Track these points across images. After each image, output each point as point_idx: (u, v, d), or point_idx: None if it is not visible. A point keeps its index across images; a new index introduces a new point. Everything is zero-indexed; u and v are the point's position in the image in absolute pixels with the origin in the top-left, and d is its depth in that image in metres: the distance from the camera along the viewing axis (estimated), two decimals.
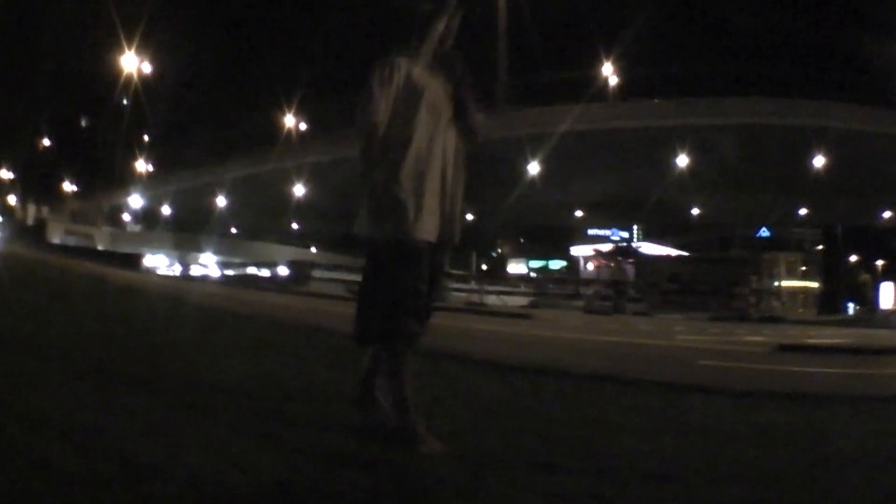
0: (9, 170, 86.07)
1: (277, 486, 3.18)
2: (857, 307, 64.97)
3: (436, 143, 4.84)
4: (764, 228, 74.33)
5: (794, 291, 58.06)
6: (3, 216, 78.35)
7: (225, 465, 3.31)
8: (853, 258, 75.36)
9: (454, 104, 4.98)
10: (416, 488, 3.39)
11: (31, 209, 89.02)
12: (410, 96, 4.79)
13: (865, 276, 72.60)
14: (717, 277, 56.19)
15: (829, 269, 64.73)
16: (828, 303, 60.82)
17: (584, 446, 4.59)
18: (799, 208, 62.40)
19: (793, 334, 24.11)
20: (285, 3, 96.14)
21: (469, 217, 73.13)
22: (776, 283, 57.77)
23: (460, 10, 5.05)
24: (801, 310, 50.79)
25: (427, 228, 4.66)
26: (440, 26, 4.97)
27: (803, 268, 60.77)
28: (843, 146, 41.95)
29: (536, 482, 3.59)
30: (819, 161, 45.30)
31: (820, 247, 67.79)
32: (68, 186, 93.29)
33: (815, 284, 59.71)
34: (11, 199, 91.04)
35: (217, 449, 3.58)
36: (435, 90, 4.90)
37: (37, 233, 76.93)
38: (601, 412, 6.10)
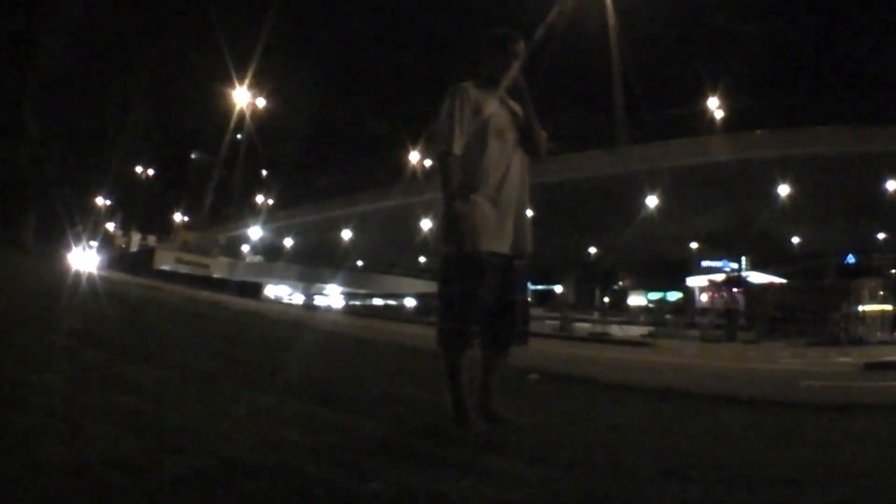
0: (105, 197, 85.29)
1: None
2: None
3: (503, 165, 4.97)
4: (851, 255, 72.41)
5: (874, 315, 56.38)
6: (98, 242, 78.39)
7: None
8: None
9: (521, 127, 5.13)
10: (547, 496, 3.39)
11: (136, 237, 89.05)
12: (480, 123, 4.92)
13: None
14: (814, 304, 54.88)
15: None
16: None
17: (708, 458, 4.61)
18: (877, 233, 60.74)
19: (875, 354, 23.79)
20: (411, 43, 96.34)
21: (592, 251, 72.82)
22: (861, 308, 56.21)
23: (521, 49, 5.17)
24: (879, 333, 49.26)
25: (495, 241, 4.84)
26: (518, 63, 5.15)
27: (881, 292, 59.00)
28: None
29: (665, 490, 3.62)
30: (893, 185, 44.13)
31: (894, 270, 65.65)
32: (178, 217, 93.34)
33: (889, 307, 57.93)
34: (110, 226, 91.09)
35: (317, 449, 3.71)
36: (502, 116, 5.05)
37: (143, 260, 76.34)
38: (720, 428, 6.16)
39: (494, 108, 5.02)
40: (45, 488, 2.66)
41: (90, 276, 23.99)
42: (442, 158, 4.84)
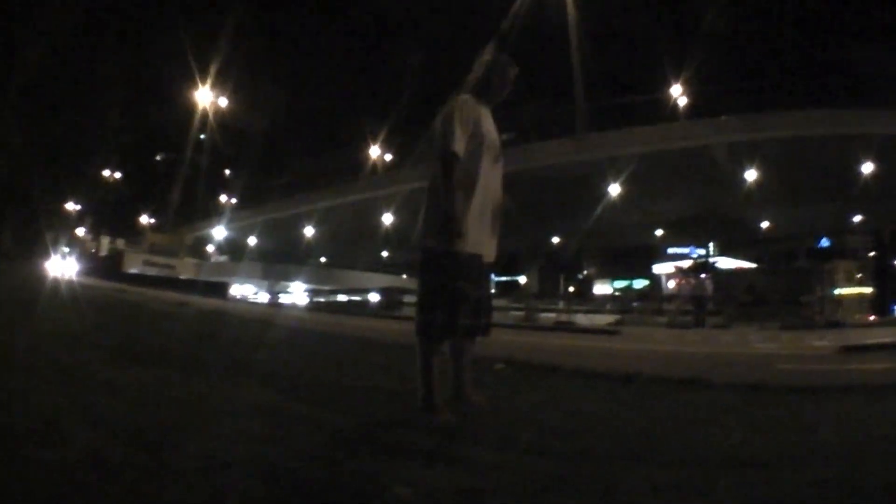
0: (76, 202, 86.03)
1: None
2: None
3: (490, 177, 5.37)
4: (824, 238, 73.27)
5: (850, 297, 57.08)
6: (69, 247, 78.28)
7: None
8: None
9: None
10: (516, 482, 3.41)
11: (105, 241, 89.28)
12: (477, 133, 5.27)
13: None
14: (786, 288, 55.50)
15: (879, 273, 63.42)
16: (879, 305, 59.60)
17: (677, 441, 4.65)
18: (853, 215, 61.34)
19: (852, 337, 23.98)
20: (370, 37, 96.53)
21: (555, 240, 73.10)
22: (836, 291, 56.89)
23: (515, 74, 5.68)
24: (857, 315, 49.79)
25: (479, 245, 5.27)
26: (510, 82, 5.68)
27: (858, 274, 59.75)
28: (889, 151, 41.14)
29: (635, 472, 3.63)
30: (868, 167, 44.48)
31: (872, 253, 66.45)
32: (145, 219, 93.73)
33: (868, 290, 58.63)
34: (79, 231, 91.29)
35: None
36: (492, 134, 5.44)
37: (112, 264, 76.42)
38: (690, 412, 6.13)
39: (489, 125, 5.43)
40: (26, 487, 2.81)
41: (69, 282, 24.00)
42: (445, 158, 5.11)
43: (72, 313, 11.94)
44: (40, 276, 29.27)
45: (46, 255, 66.10)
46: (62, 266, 56.58)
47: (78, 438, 3.50)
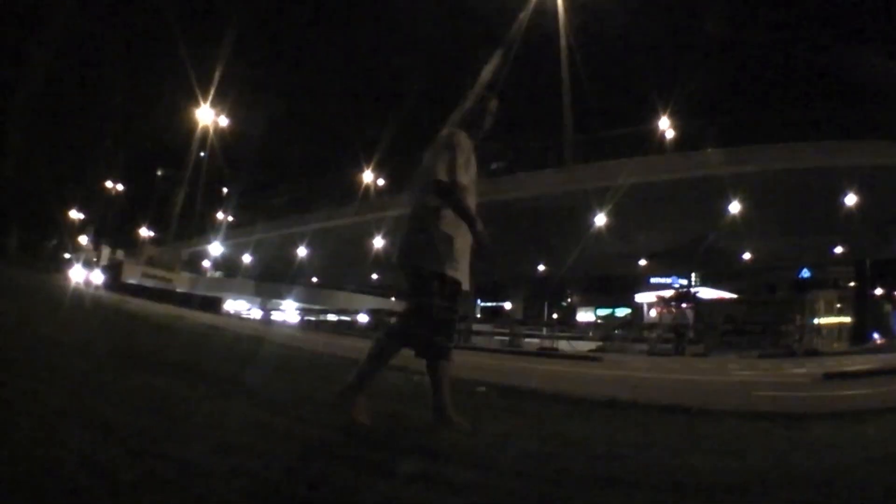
0: (79, 210, 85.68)
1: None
2: (882, 337, 63.97)
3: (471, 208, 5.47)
4: (805, 269, 73.61)
5: (830, 327, 57.46)
6: (72, 255, 77.77)
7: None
8: (879, 291, 73.86)
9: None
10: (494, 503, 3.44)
11: (105, 251, 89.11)
12: (467, 165, 5.45)
13: (888, 307, 71.65)
14: (766, 318, 55.63)
15: (859, 303, 63.83)
16: (858, 334, 59.98)
17: (655, 466, 4.63)
18: (834, 247, 61.51)
19: (832, 364, 24.18)
20: (368, 64, 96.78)
21: (541, 268, 73.17)
22: (816, 321, 57.17)
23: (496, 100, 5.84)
24: (836, 343, 50.13)
25: (461, 274, 5.47)
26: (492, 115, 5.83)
27: (838, 305, 60.24)
28: (870, 181, 41.23)
29: (610, 496, 3.64)
30: (850, 199, 44.55)
31: (852, 283, 66.92)
32: (144, 232, 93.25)
33: (847, 319, 59.09)
34: (83, 240, 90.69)
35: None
36: (474, 168, 5.60)
37: (112, 274, 75.19)
38: (668, 437, 6.18)
39: (474, 161, 5.58)
40: (24, 486, 2.83)
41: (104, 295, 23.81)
42: (452, 188, 5.30)
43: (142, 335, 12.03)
44: (73, 287, 28.96)
45: (65, 263, 65.54)
46: (86, 276, 56.28)
47: (72, 440, 3.56)
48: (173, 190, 77.12)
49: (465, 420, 5.50)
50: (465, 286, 5.53)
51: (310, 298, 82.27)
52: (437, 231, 5.34)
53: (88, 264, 69.19)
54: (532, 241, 57.98)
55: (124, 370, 6.65)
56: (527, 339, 43.09)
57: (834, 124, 42.69)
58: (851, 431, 7.03)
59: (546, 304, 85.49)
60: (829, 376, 17.90)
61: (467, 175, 5.40)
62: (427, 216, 5.40)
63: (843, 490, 4.11)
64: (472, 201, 5.48)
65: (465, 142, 5.45)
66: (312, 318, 60.61)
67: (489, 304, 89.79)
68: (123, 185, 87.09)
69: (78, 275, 50.23)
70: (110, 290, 45.44)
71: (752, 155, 43.05)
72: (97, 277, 58.25)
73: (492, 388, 9.56)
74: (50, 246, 67.85)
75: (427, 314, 5.31)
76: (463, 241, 5.45)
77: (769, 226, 51.62)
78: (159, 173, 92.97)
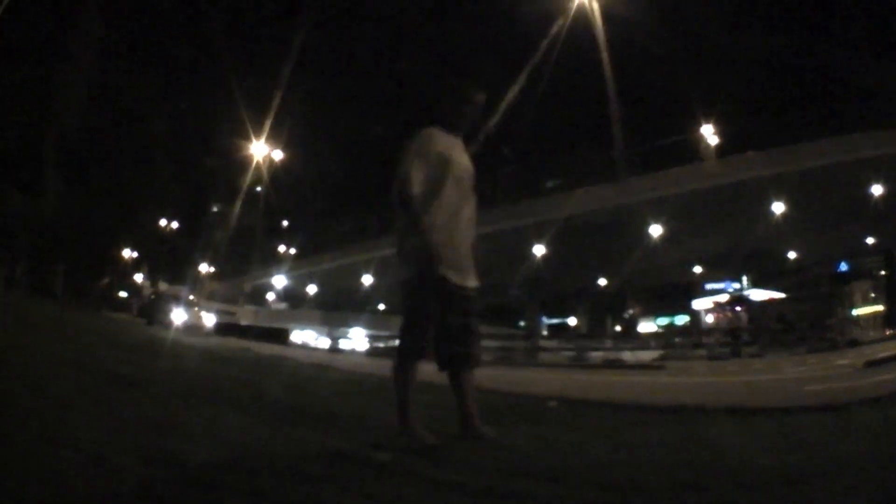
0: (132, 249, 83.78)
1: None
2: None
3: (461, 208, 5.29)
4: (843, 263, 72.24)
5: (868, 316, 56.40)
6: (129, 293, 77.19)
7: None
8: None
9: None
10: None
11: (163, 287, 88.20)
12: (441, 164, 5.17)
13: None
14: (812, 313, 54.82)
15: (889, 291, 62.49)
16: (892, 321, 58.73)
17: (720, 467, 4.58)
18: (867, 238, 60.41)
19: (870, 353, 23.96)
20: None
21: (602, 282, 72.66)
22: (854, 312, 56.16)
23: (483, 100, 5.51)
24: (872, 332, 49.17)
25: (461, 276, 5.21)
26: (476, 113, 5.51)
27: (872, 294, 59.04)
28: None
29: (685, 501, 3.66)
30: (877, 189, 43.78)
31: (883, 272, 65.63)
32: (204, 267, 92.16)
33: (881, 307, 57.89)
34: (138, 277, 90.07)
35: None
36: (462, 163, 5.35)
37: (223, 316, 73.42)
38: (731, 437, 6.17)
39: (457, 154, 5.31)
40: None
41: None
42: (404, 198, 5.07)
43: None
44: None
45: (121, 303, 64.20)
46: (195, 318, 52.47)
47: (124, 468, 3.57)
48: (229, 226, 76.79)
49: (492, 430, 5.28)
50: (472, 283, 5.30)
51: (378, 325, 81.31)
52: (426, 237, 5.06)
53: (189, 305, 67.04)
54: (592, 256, 57.77)
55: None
56: (592, 352, 42.97)
57: (856, 118, 42.16)
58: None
59: (608, 316, 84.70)
60: (869, 364, 18.25)
61: (438, 169, 5.17)
62: (408, 227, 5.23)
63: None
64: (463, 198, 5.32)
65: (429, 140, 5.22)
66: (381, 345, 60.27)
67: (554, 320, 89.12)
68: (177, 222, 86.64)
69: (180, 317, 46.10)
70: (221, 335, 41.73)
71: (788, 156, 42.66)
72: (209, 320, 55.23)
73: (562, 401, 9.53)
74: (102, 284, 67.42)
75: (416, 321, 5.29)
76: (460, 239, 5.25)
77: (808, 223, 50.97)
78: (214, 209, 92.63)
